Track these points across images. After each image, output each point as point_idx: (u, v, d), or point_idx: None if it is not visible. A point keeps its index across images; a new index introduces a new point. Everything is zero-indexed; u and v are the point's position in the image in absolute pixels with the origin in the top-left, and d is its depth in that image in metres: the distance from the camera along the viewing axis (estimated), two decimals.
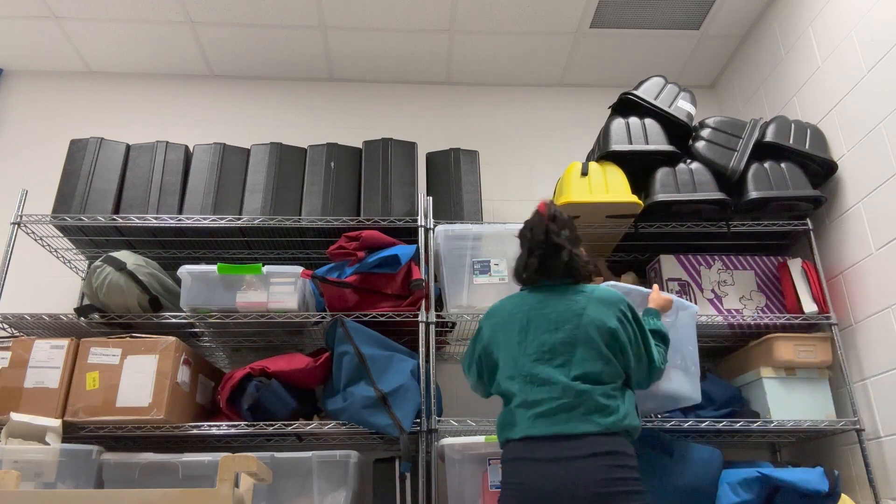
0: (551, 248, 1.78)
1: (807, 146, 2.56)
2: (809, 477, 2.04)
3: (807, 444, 2.65)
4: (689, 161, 2.57)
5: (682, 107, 2.65)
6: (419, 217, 2.52)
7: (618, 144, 2.54)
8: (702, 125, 2.67)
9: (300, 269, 2.33)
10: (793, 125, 2.63)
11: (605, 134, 2.62)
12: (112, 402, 2.08)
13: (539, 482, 1.55)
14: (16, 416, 2.02)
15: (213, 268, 2.30)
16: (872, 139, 2.34)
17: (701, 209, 2.53)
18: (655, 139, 2.56)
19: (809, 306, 2.44)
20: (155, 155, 2.63)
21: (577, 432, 1.58)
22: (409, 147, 2.70)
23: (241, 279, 2.31)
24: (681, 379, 2.05)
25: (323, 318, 2.33)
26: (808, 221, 2.59)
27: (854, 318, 2.41)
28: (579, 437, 1.58)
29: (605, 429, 1.58)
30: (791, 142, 2.58)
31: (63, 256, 2.73)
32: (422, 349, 2.28)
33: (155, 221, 2.47)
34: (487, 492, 2.04)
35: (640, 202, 2.47)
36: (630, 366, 1.71)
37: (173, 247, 2.69)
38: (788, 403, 2.37)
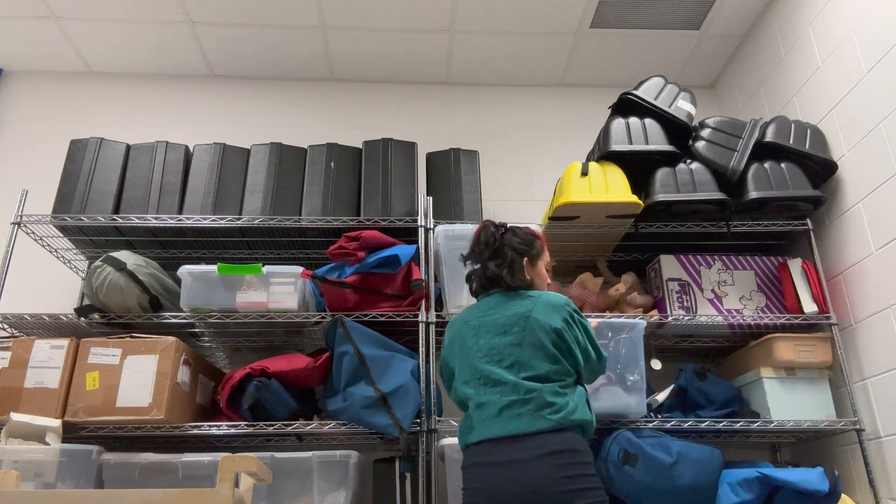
0: (493, 254, 1.90)
1: (807, 146, 2.56)
2: (809, 477, 2.03)
3: (807, 444, 2.65)
4: (689, 161, 2.57)
5: (683, 107, 2.65)
6: (419, 217, 2.52)
7: (618, 144, 2.54)
8: (702, 125, 2.67)
9: (300, 269, 2.33)
10: (793, 125, 2.63)
11: (605, 134, 2.62)
12: (112, 403, 2.08)
13: (496, 486, 1.60)
14: (16, 416, 2.02)
15: (213, 268, 2.30)
16: (872, 139, 2.34)
17: (701, 209, 2.53)
18: (655, 139, 2.57)
19: (809, 306, 2.44)
20: (155, 155, 2.63)
21: (529, 431, 1.63)
22: (409, 147, 2.70)
23: (241, 279, 2.31)
24: (617, 395, 2.19)
25: (323, 318, 2.33)
26: (808, 221, 2.59)
27: (854, 318, 2.41)
28: (532, 436, 1.62)
29: (556, 424, 1.63)
30: (791, 142, 2.58)
31: (63, 256, 2.73)
32: (422, 349, 2.28)
33: (155, 221, 2.47)
34: None
35: (640, 202, 2.47)
36: (579, 363, 1.78)
37: (173, 247, 2.69)
38: (788, 403, 2.37)
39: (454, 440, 2.09)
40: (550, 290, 2.62)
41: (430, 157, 2.81)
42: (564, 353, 1.75)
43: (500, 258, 1.89)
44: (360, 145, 2.72)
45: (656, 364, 2.35)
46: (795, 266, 2.52)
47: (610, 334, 2.28)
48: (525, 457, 1.59)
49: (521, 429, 1.63)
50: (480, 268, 1.93)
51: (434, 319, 2.34)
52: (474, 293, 1.96)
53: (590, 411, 1.75)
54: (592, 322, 2.09)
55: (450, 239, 2.38)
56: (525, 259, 1.89)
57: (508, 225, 1.96)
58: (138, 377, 2.11)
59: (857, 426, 2.29)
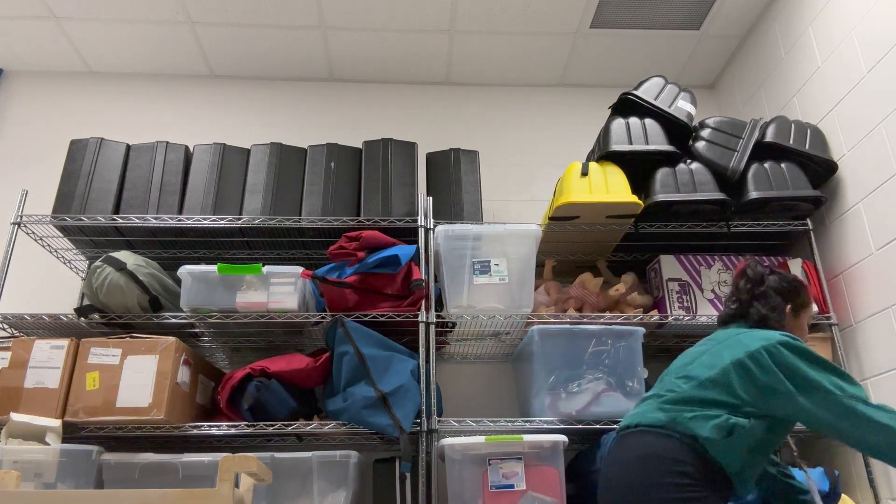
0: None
1: (807, 146, 2.56)
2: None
3: (807, 444, 2.65)
4: (689, 161, 2.57)
5: (683, 107, 2.65)
6: (419, 217, 2.52)
7: (618, 144, 2.54)
8: (702, 125, 2.67)
9: (300, 269, 2.33)
10: (793, 125, 2.63)
11: (605, 134, 2.62)
12: (112, 403, 2.08)
13: None
14: (16, 417, 2.02)
15: (213, 268, 2.29)
16: (872, 139, 2.34)
17: (701, 209, 2.53)
18: (655, 139, 2.57)
19: None
20: (155, 155, 2.63)
21: None
22: (409, 147, 2.70)
23: (241, 279, 2.31)
24: (618, 401, 2.24)
25: (323, 318, 2.33)
26: (809, 221, 2.59)
27: (854, 318, 2.41)
28: None
29: None
30: (791, 142, 2.58)
31: (63, 256, 2.73)
32: (422, 349, 2.28)
33: (155, 222, 2.47)
34: (487, 492, 2.04)
35: (640, 202, 2.47)
36: None
37: (173, 247, 2.69)
38: None
39: (454, 440, 2.09)
40: (551, 289, 2.63)
41: (430, 157, 2.81)
42: None
43: (764, 299, 1.84)
44: (360, 145, 2.72)
45: (644, 372, 2.36)
46: (795, 266, 2.52)
47: (610, 341, 2.29)
48: None
49: None
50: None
51: (434, 319, 2.34)
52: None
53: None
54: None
55: (450, 239, 2.38)
56: (789, 306, 1.85)
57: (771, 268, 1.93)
58: (138, 377, 2.11)
59: None
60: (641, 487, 1.62)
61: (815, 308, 2.45)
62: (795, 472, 1.96)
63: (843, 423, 1.57)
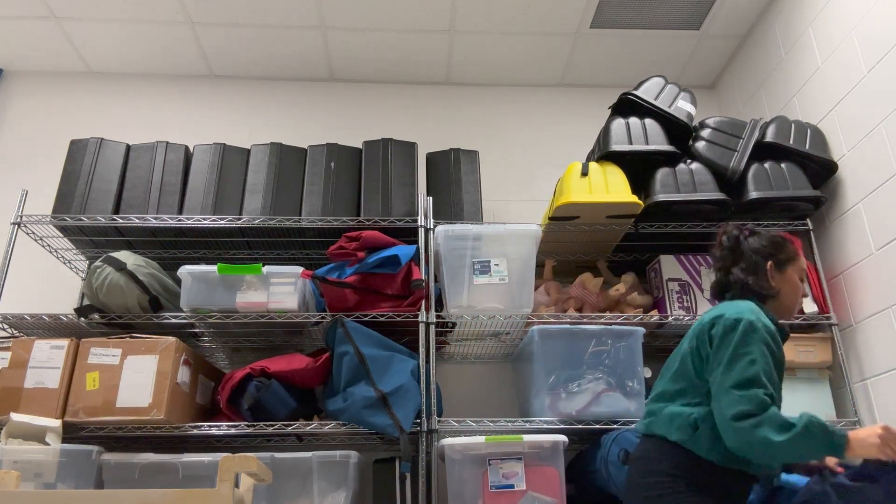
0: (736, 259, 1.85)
1: (807, 146, 2.56)
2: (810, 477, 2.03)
3: None
4: (689, 161, 2.57)
5: (683, 107, 2.65)
6: (419, 217, 2.52)
7: (618, 145, 2.54)
8: (702, 125, 2.67)
9: (300, 269, 2.33)
10: (793, 125, 2.63)
11: (605, 134, 2.62)
12: (112, 403, 2.08)
13: None
14: (16, 417, 2.02)
15: (214, 268, 2.29)
16: (872, 139, 2.34)
17: (701, 209, 2.53)
18: (655, 139, 2.56)
19: (809, 306, 2.44)
20: (155, 155, 2.63)
21: None
22: (409, 147, 2.70)
23: (242, 279, 2.31)
24: (618, 401, 2.25)
25: (323, 318, 2.33)
26: (809, 222, 2.59)
27: (854, 318, 2.41)
28: None
29: None
30: (791, 142, 2.58)
31: (63, 257, 2.73)
32: (422, 349, 2.28)
33: (155, 222, 2.47)
34: (488, 492, 2.03)
35: (641, 202, 2.47)
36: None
37: (173, 247, 2.69)
38: (788, 404, 2.34)
39: (454, 440, 2.09)
40: (551, 289, 2.63)
41: (430, 157, 2.81)
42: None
43: (743, 263, 1.78)
44: (360, 145, 2.72)
45: (646, 372, 2.36)
46: None
47: (610, 342, 2.29)
48: None
49: None
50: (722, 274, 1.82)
51: (434, 319, 2.34)
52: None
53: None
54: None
55: (450, 239, 2.38)
56: (770, 263, 1.77)
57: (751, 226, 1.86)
58: (138, 377, 2.11)
59: (858, 426, 2.29)
60: (627, 491, 1.69)
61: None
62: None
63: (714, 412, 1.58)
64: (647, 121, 2.60)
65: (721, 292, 1.84)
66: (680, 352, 1.73)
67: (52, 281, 2.88)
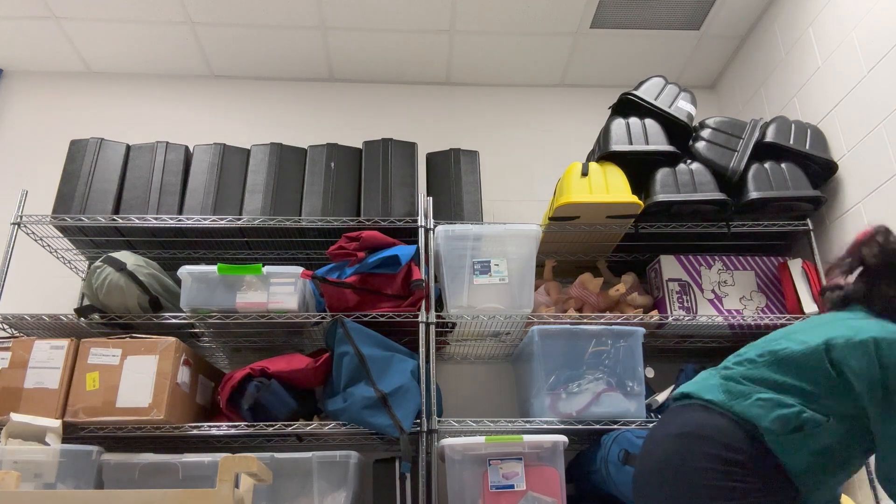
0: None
1: (807, 146, 2.56)
2: None
3: None
4: (689, 161, 2.57)
5: (683, 107, 2.65)
6: (419, 217, 2.52)
7: (618, 145, 2.54)
8: (702, 125, 2.67)
9: (300, 269, 2.33)
10: (793, 125, 2.63)
11: (605, 134, 2.62)
12: (112, 403, 2.08)
13: None
14: (16, 417, 2.02)
15: (214, 268, 2.29)
16: (872, 139, 2.34)
17: (701, 209, 2.53)
18: (655, 139, 2.56)
19: (810, 307, 2.44)
20: (155, 155, 2.63)
21: None
22: (409, 147, 2.70)
23: (241, 279, 2.31)
24: (618, 401, 2.24)
25: (323, 318, 2.33)
26: (809, 222, 2.59)
27: None
28: None
29: None
30: (791, 142, 2.58)
31: (63, 257, 2.73)
32: (422, 349, 2.28)
33: (155, 222, 2.47)
34: (488, 492, 2.03)
35: (641, 202, 2.47)
36: None
37: (173, 247, 2.69)
38: None
39: (454, 440, 2.09)
40: (551, 289, 2.63)
41: (430, 157, 2.81)
42: None
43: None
44: (360, 145, 2.72)
45: (649, 372, 2.36)
46: (796, 266, 2.52)
47: (610, 342, 2.29)
48: None
49: None
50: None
51: (434, 320, 2.34)
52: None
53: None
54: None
55: (450, 239, 2.38)
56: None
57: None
58: (138, 377, 2.11)
59: None
60: (679, 470, 1.39)
61: (815, 308, 2.45)
62: None
63: None
64: (648, 121, 2.60)
65: (844, 303, 1.58)
66: (807, 340, 1.44)
67: (52, 281, 2.88)
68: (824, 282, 2.50)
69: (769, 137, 2.61)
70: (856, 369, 1.35)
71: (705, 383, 1.51)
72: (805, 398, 1.38)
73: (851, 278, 1.58)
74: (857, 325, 1.42)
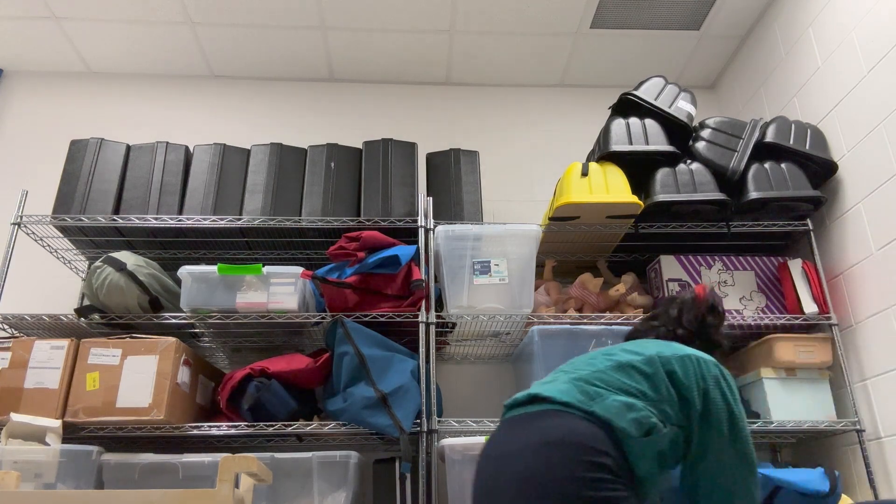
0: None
1: (807, 146, 2.56)
2: (810, 477, 2.03)
3: (807, 444, 2.65)
4: (689, 161, 2.57)
5: (683, 107, 2.65)
6: (419, 217, 2.52)
7: (618, 145, 2.54)
8: (702, 125, 2.67)
9: (300, 269, 2.33)
10: (793, 125, 2.63)
11: (605, 134, 2.62)
12: (112, 403, 2.08)
13: None
14: (16, 417, 2.02)
15: (214, 268, 2.29)
16: (872, 139, 2.34)
17: (701, 209, 2.53)
18: (655, 139, 2.56)
19: (810, 307, 2.44)
20: (155, 155, 2.63)
21: None
22: (409, 147, 2.70)
23: (242, 280, 2.31)
24: None
25: (323, 318, 2.33)
26: (809, 222, 2.59)
27: (854, 318, 2.41)
28: None
29: None
30: (791, 142, 2.58)
31: (63, 257, 2.73)
32: (422, 349, 2.28)
33: (155, 222, 2.47)
34: None
35: (641, 203, 2.47)
36: None
37: (173, 247, 2.69)
38: (789, 404, 2.37)
39: (454, 440, 2.09)
40: (551, 289, 2.63)
41: (430, 158, 2.81)
42: None
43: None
44: (360, 145, 2.72)
45: None
46: (796, 266, 2.52)
47: (609, 342, 2.29)
48: None
49: None
50: None
51: (434, 320, 2.34)
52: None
53: None
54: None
55: (450, 239, 2.38)
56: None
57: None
58: (138, 378, 2.11)
59: (858, 427, 2.29)
60: (549, 481, 1.25)
61: (815, 308, 2.45)
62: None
63: (729, 471, 1.40)
64: (648, 121, 2.60)
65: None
66: (641, 350, 1.50)
67: (52, 281, 2.88)
68: (825, 283, 2.50)
69: (769, 137, 2.61)
70: (683, 380, 1.42)
71: (556, 386, 1.42)
72: (649, 402, 1.39)
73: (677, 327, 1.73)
74: (679, 346, 1.54)
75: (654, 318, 1.79)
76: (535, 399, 1.42)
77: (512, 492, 1.28)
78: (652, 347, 1.51)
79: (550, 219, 2.56)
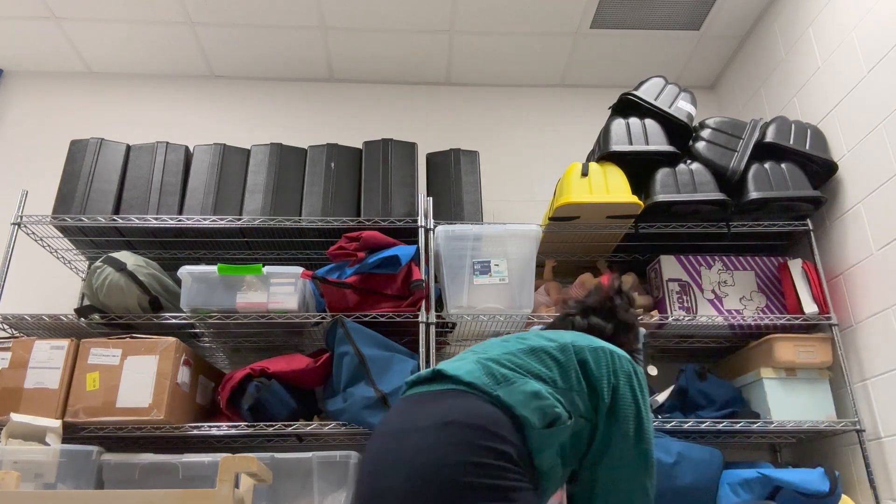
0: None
1: (807, 147, 2.56)
2: (810, 477, 2.04)
3: (807, 444, 2.65)
4: (689, 161, 2.57)
5: (683, 107, 2.65)
6: (419, 217, 2.52)
7: (618, 145, 2.54)
8: (702, 126, 2.67)
9: (300, 269, 2.33)
10: (793, 125, 2.63)
11: (605, 134, 2.62)
12: (112, 403, 2.08)
13: None
14: (16, 417, 2.02)
15: (214, 268, 2.29)
16: (872, 139, 2.34)
17: (701, 209, 2.53)
18: (656, 140, 2.56)
19: (810, 307, 2.44)
20: (155, 155, 2.63)
21: None
22: (409, 147, 2.70)
23: (242, 280, 2.31)
24: None
25: (323, 318, 2.33)
26: (809, 222, 2.59)
27: (854, 318, 2.41)
28: None
29: None
30: (791, 142, 2.58)
31: (63, 257, 2.73)
32: (422, 350, 2.28)
33: (155, 222, 2.47)
34: None
35: (641, 203, 2.47)
36: None
37: (173, 247, 2.69)
38: (789, 404, 2.37)
39: None
40: (551, 289, 2.63)
41: (430, 158, 2.81)
42: None
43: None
44: (360, 145, 2.72)
45: (652, 370, 2.35)
46: (796, 266, 2.52)
47: None
48: None
49: None
50: None
51: (434, 320, 2.34)
52: None
53: None
54: None
55: (450, 239, 2.38)
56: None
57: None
58: (138, 378, 2.11)
59: (858, 427, 2.29)
60: (445, 465, 1.13)
61: (815, 308, 2.44)
62: None
63: (629, 470, 1.33)
64: (648, 121, 2.60)
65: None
66: (555, 337, 1.42)
67: (52, 281, 2.88)
68: (825, 283, 2.50)
69: (769, 137, 2.61)
70: (594, 371, 1.35)
71: (463, 365, 1.33)
72: (558, 391, 1.30)
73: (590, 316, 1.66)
74: (595, 339, 1.44)
75: (569, 309, 1.70)
76: (438, 376, 1.32)
77: (403, 473, 1.15)
78: (567, 336, 1.42)
79: (550, 219, 2.56)
